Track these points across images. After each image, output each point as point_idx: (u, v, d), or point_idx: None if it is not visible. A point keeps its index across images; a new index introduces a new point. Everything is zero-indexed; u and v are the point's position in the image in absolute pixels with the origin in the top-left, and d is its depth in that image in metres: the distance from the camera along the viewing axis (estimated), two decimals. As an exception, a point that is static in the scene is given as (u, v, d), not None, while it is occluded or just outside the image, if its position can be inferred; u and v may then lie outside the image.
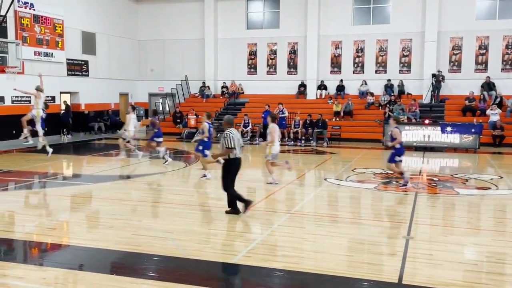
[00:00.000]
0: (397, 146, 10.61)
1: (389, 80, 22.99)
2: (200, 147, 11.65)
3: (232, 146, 8.04)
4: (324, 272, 5.57)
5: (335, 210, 8.98)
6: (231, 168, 8.28)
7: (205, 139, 11.61)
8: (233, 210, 8.20)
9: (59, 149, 17.93)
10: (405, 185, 10.58)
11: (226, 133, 8.12)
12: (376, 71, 23.78)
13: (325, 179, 12.02)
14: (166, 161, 13.54)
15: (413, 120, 19.60)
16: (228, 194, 8.20)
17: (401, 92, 22.66)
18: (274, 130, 10.77)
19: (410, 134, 18.15)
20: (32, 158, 15.09)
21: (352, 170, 13.22)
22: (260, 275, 5.54)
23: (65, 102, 22.36)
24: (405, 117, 19.87)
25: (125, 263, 5.97)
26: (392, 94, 22.47)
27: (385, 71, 23.59)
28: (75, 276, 5.50)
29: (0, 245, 6.77)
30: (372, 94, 22.68)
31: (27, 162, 14.25)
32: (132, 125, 14.45)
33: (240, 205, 8.14)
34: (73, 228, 7.74)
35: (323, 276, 5.46)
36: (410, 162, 16.11)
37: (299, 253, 6.30)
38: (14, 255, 6.43)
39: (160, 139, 14.13)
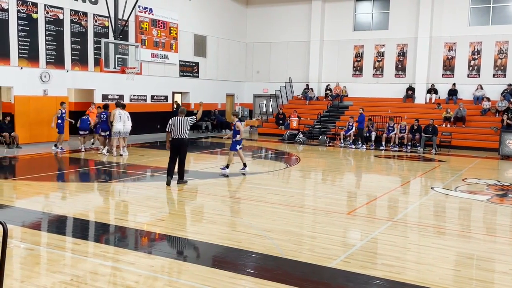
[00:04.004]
0: (238, 138, 12.25)
1: (509, 85, 21.18)
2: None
3: (168, 129, 10.67)
4: (428, 285, 5.29)
5: (442, 221, 8.49)
6: (171, 146, 10.75)
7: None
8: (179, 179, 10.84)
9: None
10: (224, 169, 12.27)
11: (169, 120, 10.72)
12: (494, 75, 22.09)
13: (431, 188, 11.41)
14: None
15: (536, 129, 17.88)
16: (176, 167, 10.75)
17: (522, 98, 20.79)
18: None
19: (532, 144, 16.59)
20: (146, 153, 16.22)
21: (463, 180, 12.40)
22: (358, 282, 5.42)
23: (175, 102, 23.70)
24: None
25: (225, 258, 6.18)
26: (512, 100, 20.72)
27: (504, 75, 21.81)
28: (179, 266, 5.80)
29: (115, 232, 7.38)
30: (488, 100, 21.10)
31: (141, 157, 15.34)
32: (117, 121, 14.98)
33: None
34: (179, 220, 8.17)
35: (426, 289, 5.20)
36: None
37: (401, 262, 6.05)
38: (126, 242, 6.94)
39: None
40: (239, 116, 12.80)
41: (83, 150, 15.96)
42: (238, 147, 12.43)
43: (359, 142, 19.72)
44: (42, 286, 4.99)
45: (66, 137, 17.29)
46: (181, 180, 10.92)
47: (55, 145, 15.97)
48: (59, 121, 15.87)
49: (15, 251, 6.11)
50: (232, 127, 12.64)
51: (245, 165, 12.64)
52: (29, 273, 5.39)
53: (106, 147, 15.51)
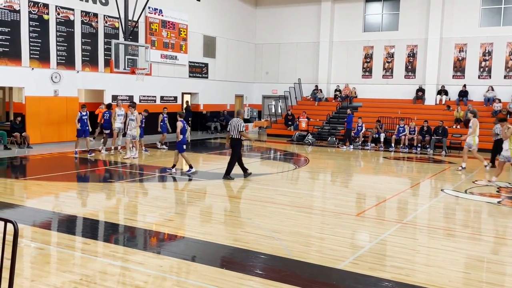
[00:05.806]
0: (181, 137, 12.06)
1: (520, 86, 21.04)
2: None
3: (228, 130, 11.78)
4: (437, 287, 5.26)
5: (452, 223, 8.43)
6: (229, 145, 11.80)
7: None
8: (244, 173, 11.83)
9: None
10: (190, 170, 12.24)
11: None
12: (505, 76, 21.91)
13: (441, 190, 11.34)
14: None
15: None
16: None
17: (534, 99, 20.61)
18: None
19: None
20: (155, 154, 16.28)
21: (473, 182, 12.31)
22: (367, 284, 5.39)
23: (187, 102, 23.78)
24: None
25: (233, 259, 6.18)
26: (523, 101, 20.53)
27: (516, 76, 21.64)
28: (188, 267, 5.82)
29: (124, 232, 7.41)
30: (499, 101, 20.92)
31: (151, 157, 15.39)
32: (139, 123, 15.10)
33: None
34: (188, 221, 8.20)
35: (435, 292, 5.16)
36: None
37: (410, 265, 6.02)
38: (135, 242, 6.98)
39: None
40: (183, 116, 12.63)
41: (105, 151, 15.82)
42: (184, 147, 12.35)
43: (346, 142, 19.99)
44: (52, 285, 5.03)
45: (73, 138, 16.96)
46: (227, 176, 11.54)
47: (89, 152, 15.07)
48: (79, 124, 15.00)
49: (26, 251, 6.17)
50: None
51: (173, 166, 12.43)
52: (39, 272, 5.44)
53: (104, 146, 15.71)
